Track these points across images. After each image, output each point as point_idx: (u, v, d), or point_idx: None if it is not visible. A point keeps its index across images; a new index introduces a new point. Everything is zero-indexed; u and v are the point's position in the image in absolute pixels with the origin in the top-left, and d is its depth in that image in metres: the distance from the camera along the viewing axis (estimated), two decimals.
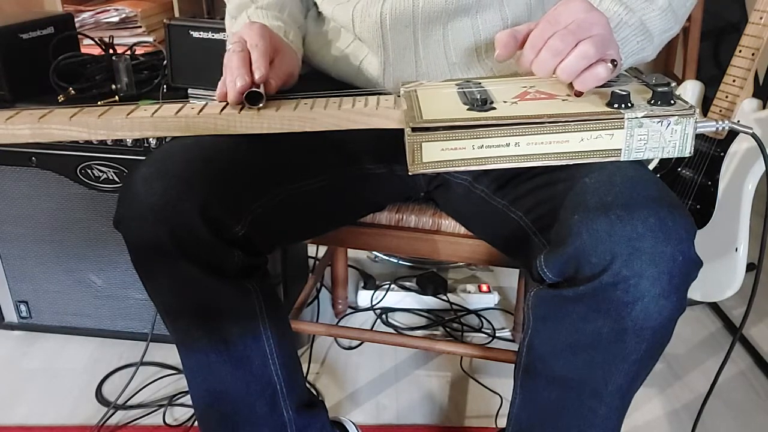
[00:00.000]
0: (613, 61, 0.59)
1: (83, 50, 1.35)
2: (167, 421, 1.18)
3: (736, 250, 1.24)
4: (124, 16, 1.63)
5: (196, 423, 1.15)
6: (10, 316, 1.37)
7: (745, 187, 1.23)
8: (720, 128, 0.59)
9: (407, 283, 1.57)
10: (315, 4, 0.95)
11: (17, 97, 1.20)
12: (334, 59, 0.93)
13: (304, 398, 0.90)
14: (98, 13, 1.63)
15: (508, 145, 0.56)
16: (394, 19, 0.83)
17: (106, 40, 1.32)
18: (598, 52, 0.58)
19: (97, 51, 1.32)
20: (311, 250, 1.61)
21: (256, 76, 0.68)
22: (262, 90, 0.66)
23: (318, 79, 0.95)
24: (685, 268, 0.64)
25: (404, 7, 0.82)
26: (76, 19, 1.45)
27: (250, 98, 0.66)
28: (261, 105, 0.65)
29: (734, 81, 1.25)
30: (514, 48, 0.63)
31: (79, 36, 1.35)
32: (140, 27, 1.63)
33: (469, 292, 1.53)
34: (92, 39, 1.34)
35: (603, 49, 0.59)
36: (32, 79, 1.21)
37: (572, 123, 0.56)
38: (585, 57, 0.58)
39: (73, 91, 1.20)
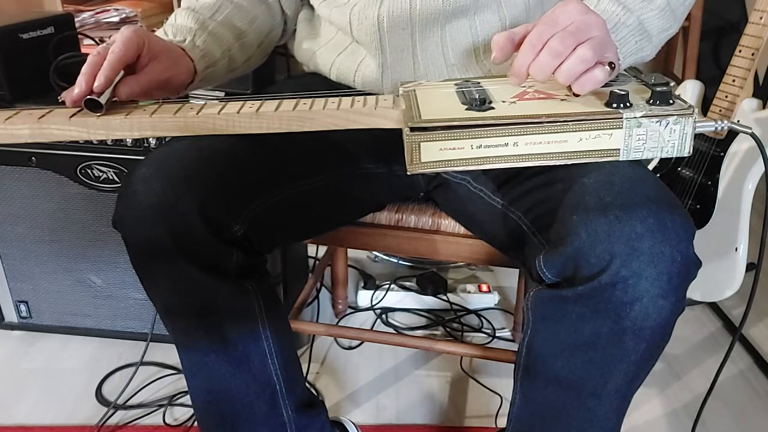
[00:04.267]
0: (610, 63, 0.59)
1: (83, 50, 1.35)
2: (167, 421, 1.18)
3: (736, 250, 1.24)
4: (124, 16, 1.63)
5: (195, 423, 1.15)
6: (10, 316, 1.37)
7: (745, 187, 1.23)
8: (719, 128, 0.59)
9: (407, 283, 1.57)
10: (311, 6, 0.94)
11: (17, 97, 1.20)
12: (331, 62, 0.93)
13: (304, 398, 0.90)
14: (98, 13, 1.63)
15: (506, 144, 0.56)
16: (391, 22, 0.83)
17: (107, 40, 1.32)
18: (596, 56, 0.58)
19: None
20: (311, 250, 1.61)
21: (94, 86, 0.65)
22: (101, 99, 0.63)
23: (316, 80, 0.95)
24: (684, 269, 0.64)
25: (401, 9, 0.82)
26: (76, 19, 1.45)
27: (88, 105, 0.63)
28: (100, 113, 0.63)
29: (734, 81, 1.25)
30: (510, 51, 0.63)
31: (79, 36, 1.35)
32: (140, 27, 1.63)
33: (469, 292, 1.53)
34: (92, 39, 1.34)
35: (601, 52, 0.58)
36: (32, 79, 1.21)
37: (571, 123, 0.56)
38: (583, 60, 0.57)
39: None
